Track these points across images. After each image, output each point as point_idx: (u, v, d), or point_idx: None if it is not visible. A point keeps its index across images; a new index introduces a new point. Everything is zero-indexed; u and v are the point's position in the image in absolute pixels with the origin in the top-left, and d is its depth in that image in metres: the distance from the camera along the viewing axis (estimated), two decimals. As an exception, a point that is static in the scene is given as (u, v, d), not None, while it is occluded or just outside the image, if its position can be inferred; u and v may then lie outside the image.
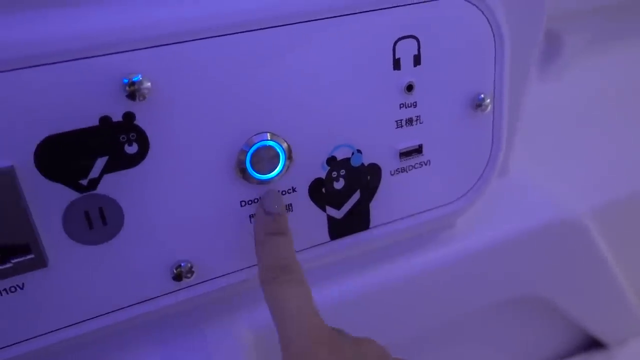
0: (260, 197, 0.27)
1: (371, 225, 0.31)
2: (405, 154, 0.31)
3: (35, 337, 0.25)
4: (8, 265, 0.23)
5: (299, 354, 0.23)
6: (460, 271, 0.39)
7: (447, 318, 0.42)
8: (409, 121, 0.30)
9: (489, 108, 0.31)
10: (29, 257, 0.23)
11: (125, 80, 0.23)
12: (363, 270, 0.36)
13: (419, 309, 0.39)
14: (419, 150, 0.31)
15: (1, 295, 0.24)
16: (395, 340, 0.38)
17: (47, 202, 0.23)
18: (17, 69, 0.21)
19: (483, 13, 0.29)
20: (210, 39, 0.24)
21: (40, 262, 0.24)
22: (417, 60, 0.29)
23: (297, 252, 0.30)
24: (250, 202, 0.27)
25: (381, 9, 0.27)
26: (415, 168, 0.31)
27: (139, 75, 0.23)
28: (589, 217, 0.44)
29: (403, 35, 0.28)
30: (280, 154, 0.27)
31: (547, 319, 0.49)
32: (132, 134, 0.24)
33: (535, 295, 0.45)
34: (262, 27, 0.25)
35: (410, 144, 0.30)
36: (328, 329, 0.24)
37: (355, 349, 0.25)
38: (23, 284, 0.24)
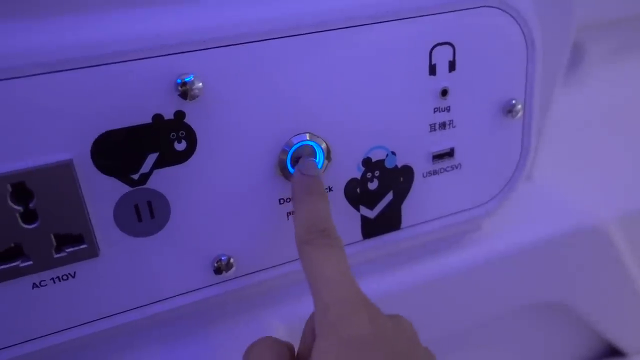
0: (297, 165, 0.27)
1: (402, 226, 0.32)
2: (438, 157, 0.31)
3: (83, 324, 0.26)
4: (63, 253, 0.24)
5: (338, 321, 0.22)
6: (484, 274, 0.40)
7: (468, 322, 0.43)
8: (442, 125, 0.31)
9: (520, 114, 0.32)
10: (82, 246, 0.25)
11: (179, 81, 0.24)
12: (388, 271, 0.36)
13: (442, 311, 0.40)
14: (450, 153, 0.32)
15: (54, 282, 0.25)
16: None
17: (100, 194, 0.25)
18: (79, 68, 0.23)
19: (516, 21, 0.30)
20: (258, 42, 0.25)
21: (92, 252, 0.25)
22: (452, 66, 0.30)
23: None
24: (288, 200, 0.29)
25: (420, 16, 0.28)
26: (447, 171, 0.32)
27: (191, 76, 0.24)
28: (612, 224, 0.45)
29: (439, 41, 0.29)
30: (319, 154, 0.28)
31: (567, 325, 0.50)
32: (181, 131, 0.25)
33: (556, 301, 0.46)
34: (306, 32, 0.26)
35: (442, 147, 0.31)
36: (367, 298, 0.24)
37: (394, 321, 0.24)
38: (75, 272, 0.25)
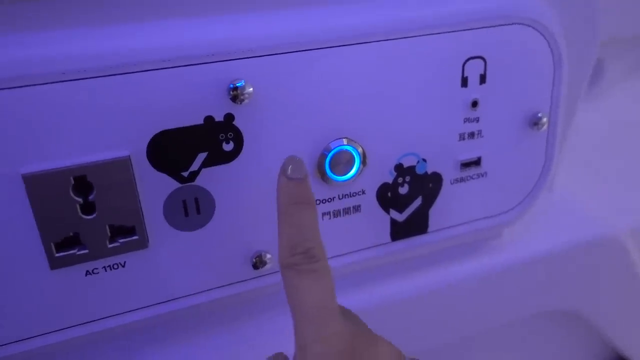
0: (282, 166, 0.25)
1: (429, 230, 0.34)
2: (465, 165, 0.33)
3: (130, 311, 0.28)
4: (116, 244, 0.26)
5: None
6: (502, 281, 0.41)
7: (482, 327, 0.44)
8: (471, 135, 0.32)
9: (545, 127, 0.34)
10: (133, 238, 0.26)
11: (231, 85, 0.25)
12: (409, 274, 0.38)
13: (457, 316, 0.41)
14: (477, 162, 0.33)
15: (105, 271, 0.27)
16: (428, 346, 0.41)
17: (153, 190, 0.26)
18: (140, 71, 0.24)
19: (545, 38, 0.32)
20: (304, 52, 0.27)
21: (143, 243, 0.27)
22: (482, 79, 0.31)
23: (361, 250, 0.32)
24: (324, 201, 0.30)
25: (455, 31, 0.29)
26: (473, 179, 0.34)
27: (243, 82, 0.26)
28: (628, 235, 0.46)
29: (472, 55, 0.30)
30: (356, 159, 0.29)
31: (578, 334, 0.51)
32: (229, 133, 0.27)
33: (569, 310, 0.47)
34: (348, 44, 0.28)
35: (470, 156, 0.33)
36: (347, 335, 0.23)
37: (372, 353, 0.24)
38: (125, 262, 0.27)
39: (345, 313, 0.26)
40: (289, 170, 0.25)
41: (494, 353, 0.49)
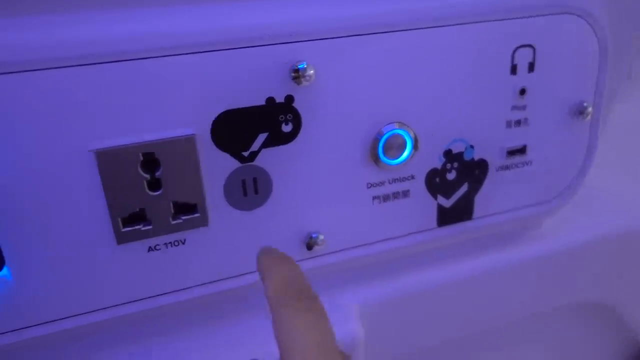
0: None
1: (474, 216, 0.34)
2: (511, 153, 0.33)
3: (188, 288, 0.28)
4: (179, 220, 0.27)
5: None
6: (539, 271, 0.41)
7: (515, 316, 0.44)
8: (518, 122, 0.33)
9: (589, 116, 0.34)
10: (195, 215, 0.27)
11: (294, 67, 0.26)
12: (450, 260, 0.38)
13: (492, 304, 0.42)
14: (522, 150, 0.34)
15: (166, 247, 0.27)
16: (463, 334, 0.41)
17: (215, 168, 0.27)
18: (205, 51, 0.25)
19: (592, 28, 0.32)
20: (363, 36, 0.27)
21: (203, 221, 0.27)
22: (531, 67, 0.32)
23: (408, 235, 0.33)
24: (375, 185, 0.31)
25: (506, 19, 0.30)
26: (518, 167, 0.34)
27: (304, 63, 0.26)
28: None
29: (522, 44, 0.31)
30: (408, 143, 0.30)
31: (609, 327, 0.51)
32: (289, 114, 0.27)
33: (602, 302, 0.47)
34: (404, 29, 0.28)
35: (516, 143, 0.33)
36: None
37: None
38: (185, 239, 0.28)
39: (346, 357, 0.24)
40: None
41: (522, 343, 0.49)
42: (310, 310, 0.21)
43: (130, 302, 0.28)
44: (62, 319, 0.27)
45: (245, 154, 0.27)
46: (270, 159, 0.28)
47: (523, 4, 0.30)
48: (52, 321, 0.26)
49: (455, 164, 0.32)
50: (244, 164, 0.27)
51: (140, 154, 0.25)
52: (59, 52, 0.22)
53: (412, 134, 0.30)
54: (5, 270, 0.25)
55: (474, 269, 0.38)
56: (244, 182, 0.28)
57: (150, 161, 0.25)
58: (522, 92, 0.32)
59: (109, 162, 0.25)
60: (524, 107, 0.32)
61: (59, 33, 0.22)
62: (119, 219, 0.26)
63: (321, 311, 0.21)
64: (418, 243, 0.33)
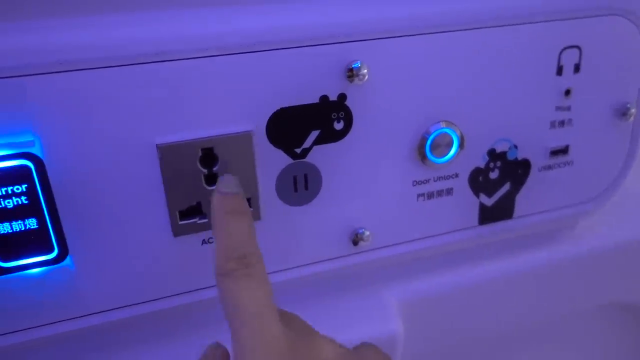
0: (216, 185, 0.25)
1: (514, 216, 0.35)
2: (554, 153, 0.34)
3: (238, 281, 0.29)
4: (232, 215, 0.27)
5: None
6: (575, 270, 0.41)
7: (547, 316, 0.44)
8: (562, 123, 0.33)
9: (632, 118, 0.34)
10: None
11: (349, 66, 0.27)
12: (485, 259, 0.39)
13: (526, 303, 0.42)
14: (565, 150, 0.34)
15: (219, 241, 0.28)
16: (497, 332, 0.41)
17: (268, 164, 0.27)
18: (263, 50, 0.26)
19: (638, 29, 0.32)
20: (415, 36, 0.28)
21: (256, 215, 0.28)
22: (577, 68, 0.32)
23: (450, 232, 0.33)
24: (420, 183, 0.31)
25: (554, 20, 0.30)
26: (560, 167, 0.34)
27: (359, 62, 0.27)
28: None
29: (568, 45, 0.31)
30: (455, 142, 0.30)
31: (632, 328, 0.51)
32: (341, 112, 0.28)
33: (633, 304, 0.47)
34: (455, 30, 0.29)
35: (559, 144, 0.33)
36: (287, 338, 0.22)
37: (315, 354, 0.23)
38: (237, 233, 0.28)
39: (285, 316, 0.25)
40: (222, 187, 0.24)
41: (552, 343, 0.49)
42: (249, 275, 0.22)
43: (184, 293, 0.28)
44: (120, 307, 0.27)
45: (298, 150, 0.28)
46: (321, 156, 0.28)
47: (570, 6, 0.30)
48: (110, 310, 0.27)
49: (499, 163, 0.33)
50: (296, 161, 0.28)
51: (200, 149, 0.26)
52: (132, 50, 0.23)
53: (458, 133, 0.30)
54: (68, 260, 0.26)
55: (510, 267, 0.39)
56: (295, 178, 0.28)
57: (208, 156, 0.26)
58: (567, 92, 0.32)
59: (171, 156, 0.25)
60: (568, 108, 0.33)
61: (131, 32, 0.23)
62: (177, 212, 0.26)
63: (259, 275, 0.23)
64: (459, 241, 0.34)
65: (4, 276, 0.25)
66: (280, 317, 0.23)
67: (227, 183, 0.24)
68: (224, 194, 0.24)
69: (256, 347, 0.21)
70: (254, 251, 0.23)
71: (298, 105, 0.27)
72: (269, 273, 0.29)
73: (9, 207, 0.24)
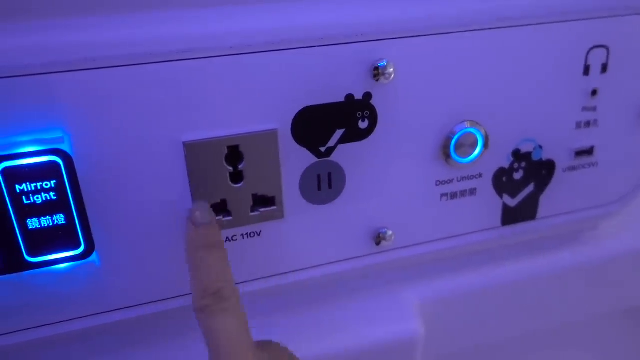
0: (188, 213, 0.25)
1: (537, 217, 0.34)
2: (579, 154, 0.33)
3: (260, 279, 0.29)
4: (256, 213, 0.27)
5: None
6: (595, 273, 0.41)
7: (568, 319, 0.44)
8: (587, 124, 0.33)
9: (659, 118, 0.34)
10: (272, 208, 0.28)
11: (375, 65, 0.26)
12: (506, 260, 0.38)
13: (545, 305, 0.42)
14: (590, 151, 0.33)
15: (243, 239, 0.28)
16: (516, 334, 0.41)
17: (293, 163, 0.27)
18: (289, 49, 0.25)
19: (667, 30, 0.32)
20: (441, 35, 0.27)
21: (280, 214, 0.28)
22: (604, 68, 0.31)
23: (473, 233, 0.33)
24: (444, 183, 0.31)
25: (583, 19, 0.30)
26: (584, 168, 0.34)
27: (385, 61, 0.27)
28: None
29: (596, 44, 0.31)
30: (479, 142, 0.30)
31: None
32: (366, 111, 0.28)
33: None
34: (480, 29, 0.28)
35: (584, 144, 0.33)
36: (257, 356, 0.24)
37: None
38: (260, 231, 0.28)
39: (263, 345, 0.26)
40: (195, 217, 0.25)
41: (572, 347, 0.49)
42: (224, 310, 0.24)
43: (207, 290, 0.28)
44: (143, 304, 0.28)
45: (323, 149, 0.28)
46: (346, 155, 0.28)
47: (598, 5, 0.30)
48: (134, 306, 0.28)
49: (523, 164, 0.32)
50: (320, 159, 0.28)
51: (226, 147, 0.26)
52: (160, 47, 0.23)
53: (483, 133, 0.30)
54: (94, 256, 0.26)
55: (532, 269, 0.38)
56: (319, 176, 0.28)
57: (234, 154, 0.26)
58: (594, 93, 0.32)
59: (197, 154, 0.25)
60: (594, 109, 0.32)
61: (159, 30, 0.23)
62: (202, 210, 0.27)
63: (233, 308, 0.24)
64: (482, 241, 0.33)
65: (31, 271, 0.25)
66: (258, 345, 0.25)
67: (201, 212, 0.25)
68: (198, 225, 0.25)
69: None
70: (227, 285, 0.25)
71: (323, 104, 0.27)
72: (291, 272, 0.30)
73: (37, 202, 0.24)
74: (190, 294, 0.28)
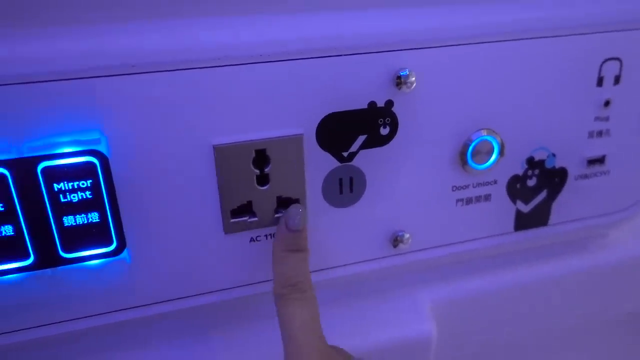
0: (283, 213, 0.28)
1: (549, 223, 0.35)
2: (591, 162, 0.34)
3: (282, 278, 0.30)
4: (280, 214, 0.28)
5: None
6: (604, 279, 0.42)
7: (576, 322, 0.45)
8: (600, 133, 0.33)
9: (669, 129, 0.35)
10: (295, 210, 0.29)
11: (397, 74, 0.28)
12: (513, 266, 0.39)
13: (553, 310, 0.42)
14: (601, 160, 0.34)
15: (266, 239, 0.29)
16: (527, 338, 0.42)
17: (316, 167, 0.29)
18: (315, 57, 0.27)
19: (678, 43, 0.33)
20: (462, 46, 0.28)
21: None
22: (617, 80, 0.32)
23: (486, 237, 0.34)
24: (460, 188, 0.32)
25: (595, 32, 0.31)
26: (596, 176, 0.35)
27: (407, 70, 0.28)
28: None
29: (610, 56, 0.32)
30: (495, 149, 0.31)
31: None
32: (387, 118, 0.29)
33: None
34: (497, 40, 0.29)
35: (596, 153, 0.34)
36: (327, 351, 0.26)
37: None
38: (284, 232, 0.29)
39: (333, 347, 0.28)
40: (290, 223, 0.28)
41: (581, 350, 0.50)
42: (300, 300, 0.27)
43: (232, 288, 0.29)
44: (171, 300, 0.29)
45: (345, 154, 0.29)
46: (367, 160, 0.29)
47: (612, 19, 0.31)
48: (162, 302, 0.29)
49: (537, 171, 0.33)
50: (342, 164, 0.29)
51: (253, 151, 0.27)
52: (195, 55, 0.24)
53: (499, 141, 0.31)
54: (125, 253, 0.27)
55: (542, 274, 0.39)
56: (341, 180, 0.29)
57: (261, 157, 0.27)
58: (607, 103, 0.33)
59: (226, 156, 0.26)
60: (607, 119, 0.33)
61: (195, 38, 0.24)
62: (229, 210, 0.28)
63: (310, 299, 0.27)
64: (494, 246, 0.34)
65: (65, 266, 0.27)
66: (329, 345, 0.27)
67: (295, 219, 0.28)
68: (291, 230, 0.28)
69: (299, 354, 0.25)
70: (305, 280, 0.27)
71: (348, 111, 0.28)
72: (311, 272, 0.31)
73: (74, 201, 0.25)
74: (215, 292, 0.29)
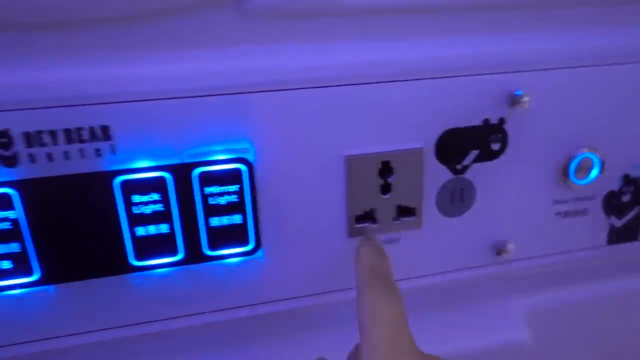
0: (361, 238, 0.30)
1: (640, 238, 0.37)
2: (683, 181, 0.36)
3: (399, 280, 0.32)
4: (398, 222, 0.31)
5: None
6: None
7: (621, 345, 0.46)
8: (693, 153, 0.35)
9: None
10: (412, 218, 0.31)
11: (512, 93, 0.30)
12: (607, 278, 0.40)
13: (623, 326, 0.43)
14: (693, 178, 0.36)
15: (384, 244, 0.31)
16: (609, 348, 0.43)
17: (433, 178, 0.31)
18: (438, 77, 0.29)
19: None
20: (572, 68, 0.30)
21: (418, 224, 0.31)
22: None
23: (581, 250, 0.36)
24: (560, 202, 0.34)
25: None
26: (687, 194, 0.36)
27: (521, 90, 0.30)
28: None
29: None
30: (596, 166, 0.33)
31: None
32: (498, 134, 0.31)
33: None
34: (606, 64, 0.31)
35: (689, 172, 0.36)
36: (414, 345, 0.23)
37: None
38: (399, 239, 0.32)
39: (427, 354, 0.25)
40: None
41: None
42: (389, 294, 0.24)
43: (349, 288, 0.32)
44: (299, 297, 0.31)
45: (459, 167, 0.31)
46: (477, 173, 0.32)
47: None
48: (291, 298, 0.31)
49: (632, 188, 0.35)
50: (456, 176, 0.31)
51: (380, 162, 0.29)
52: (337, 73, 0.27)
53: (600, 158, 0.33)
54: (260, 252, 0.30)
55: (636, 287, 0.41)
56: (453, 191, 0.32)
57: (385, 168, 0.30)
58: (701, 124, 0.34)
59: (356, 166, 0.29)
60: (700, 139, 0.35)
61: (337, 58, 0.27)
62: (354, 216, 0.30)
63: (399, 297, 0.24)
64: (588, 258, 0.36)
65: (207, 263, 0.29)
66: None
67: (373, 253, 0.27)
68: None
69: (386, 343, 0.23)
70: (392, 276, 0.26)
71: (463, 127, 0.30)
72: (420, 277, 0.33)
73: (221, 203, 0.28)
74: (337, 291, 0.32)
